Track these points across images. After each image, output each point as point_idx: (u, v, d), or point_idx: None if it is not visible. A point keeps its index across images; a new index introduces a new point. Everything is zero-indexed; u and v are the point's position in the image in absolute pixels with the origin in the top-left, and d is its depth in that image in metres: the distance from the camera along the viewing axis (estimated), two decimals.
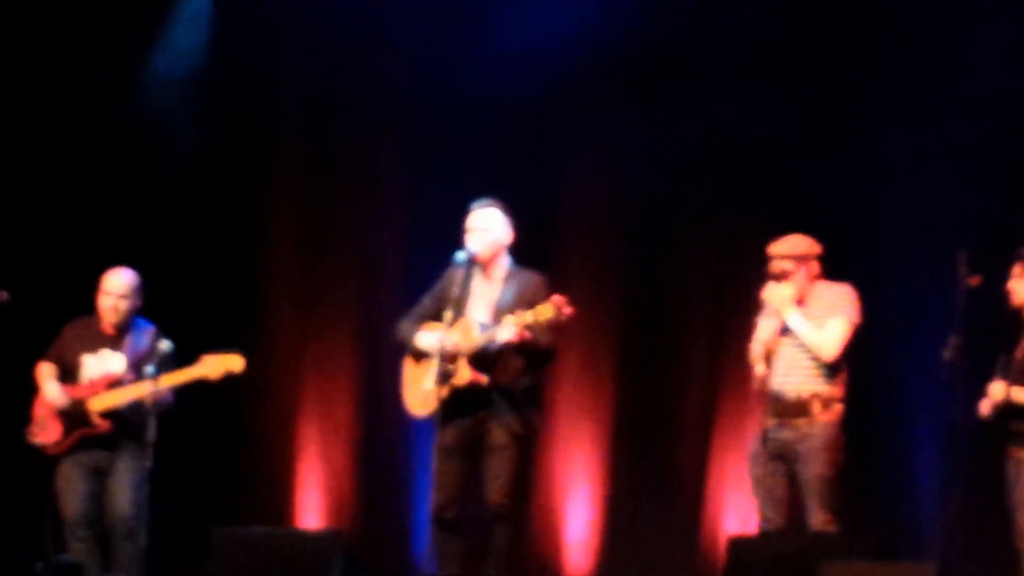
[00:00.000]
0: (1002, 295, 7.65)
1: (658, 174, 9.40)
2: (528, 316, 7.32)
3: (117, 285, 8.22)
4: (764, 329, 7.74)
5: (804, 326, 7.62)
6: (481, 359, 7.48)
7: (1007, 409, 7.50)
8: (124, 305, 8.21)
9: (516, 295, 7.58)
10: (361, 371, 9.75)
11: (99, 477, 8.16)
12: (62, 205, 9.63)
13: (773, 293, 7.69)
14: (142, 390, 7.91)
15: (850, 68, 9.05)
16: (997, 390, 7.50)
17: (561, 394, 9.23)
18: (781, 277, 7.65)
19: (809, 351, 7.62)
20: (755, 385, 7.70)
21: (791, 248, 7.70)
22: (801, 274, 7.68)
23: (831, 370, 7.63)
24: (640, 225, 9.50)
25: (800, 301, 7.67)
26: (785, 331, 7.66)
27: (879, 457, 8.91)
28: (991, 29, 8.80)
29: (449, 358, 7.46)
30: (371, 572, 7.39)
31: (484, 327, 7.51)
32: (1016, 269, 7.67)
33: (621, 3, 9.38)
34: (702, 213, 9.35)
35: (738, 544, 7.23)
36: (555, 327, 7.44)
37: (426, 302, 7.78)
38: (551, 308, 7.29)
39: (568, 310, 7.32)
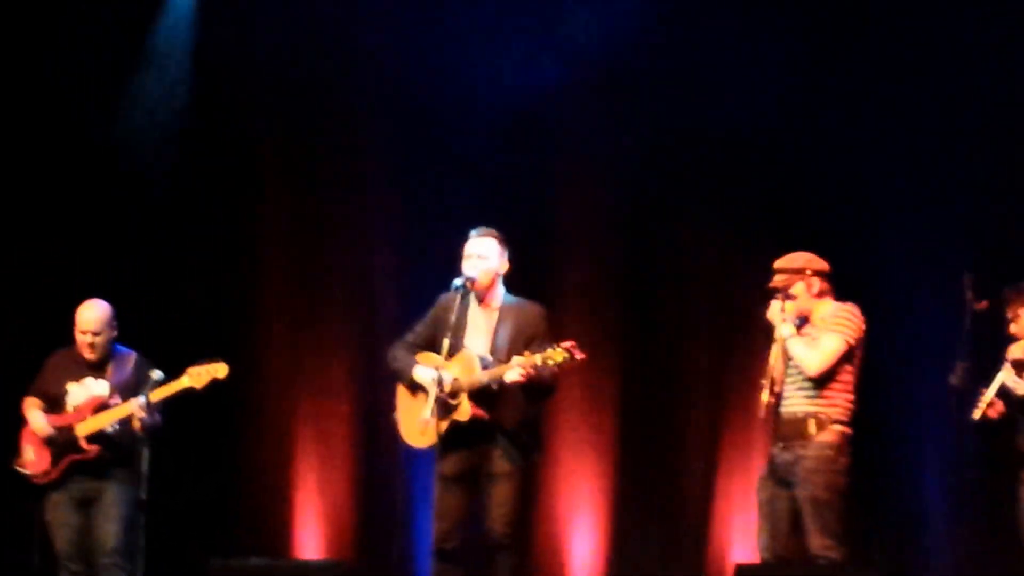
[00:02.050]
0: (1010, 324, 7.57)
1: (659, 189, 9.32)
2: (537, 359, 7.19)
3: (89, 322, 8.15)
4: (772, 354, 7.58)
5: (794, 341, 7.47)
6: (483, 395, 7.35)
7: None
8: (100, 340, 8.15)
9: (515, 328, 7.46)
10: (358, 398, 9.64)
11: (88, 508, 8.06)
12: (49, 226, 9.52)
13: (770, 308, 7.55)
14: (128, 409, 7.87)
15: (859, 80, 8.95)
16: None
17: (563, 422, 9.13)
18: (778, 292, 7.52)
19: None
20: (761, 412, 7.50)
21: (787, 262, 7.54)
22: (802, 289, 7.49)
23: (819, 387, 7.41)
24: (640, 247, 9.40)
25: (807, 319, 7.54)
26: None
27: (888, 482, 8.81)
28: (998, 43, 8.72)
29: (450, 393, 7.35)
30: None
31: (485, 362, 7.38)
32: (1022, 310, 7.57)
33: (612, 5, 9.28)
34: (704, 232, 9.24)
35: (745, 572, 7.11)
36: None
37: (419, 329, 7.65)
38: (562, 354, 7.15)
39: (580, 356, 7.18)
